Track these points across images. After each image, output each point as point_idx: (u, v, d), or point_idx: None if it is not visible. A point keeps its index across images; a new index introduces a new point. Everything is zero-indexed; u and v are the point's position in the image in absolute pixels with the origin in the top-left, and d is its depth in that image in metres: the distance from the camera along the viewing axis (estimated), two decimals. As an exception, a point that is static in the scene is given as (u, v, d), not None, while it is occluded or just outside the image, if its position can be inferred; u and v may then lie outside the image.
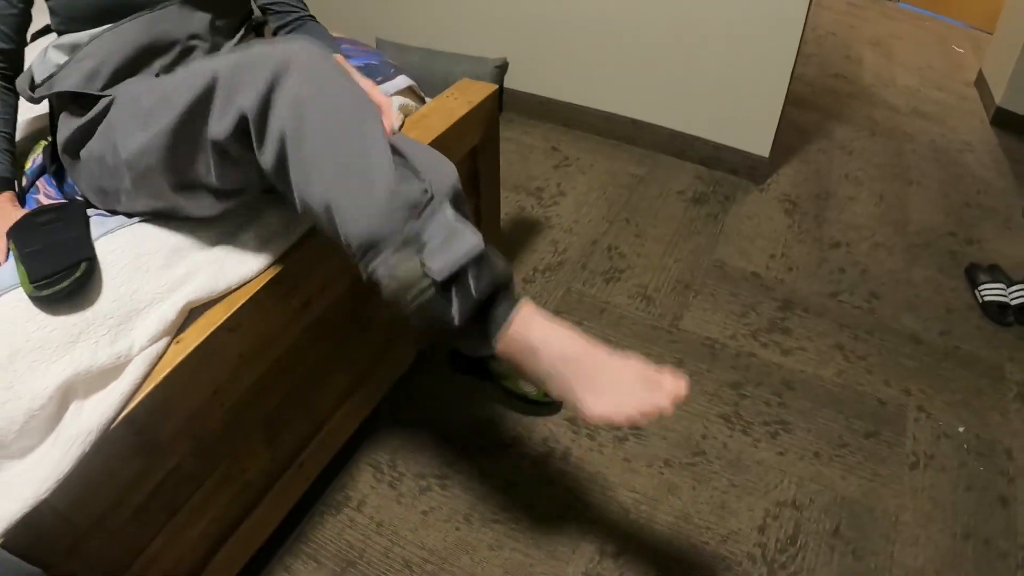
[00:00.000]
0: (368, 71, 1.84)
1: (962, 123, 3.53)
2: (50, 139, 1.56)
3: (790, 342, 2.17)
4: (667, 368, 1.12)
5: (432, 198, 1.12)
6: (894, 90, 3.81)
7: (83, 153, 1.40)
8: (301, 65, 1.13)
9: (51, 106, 1.49)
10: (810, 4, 2.52)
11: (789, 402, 2.00)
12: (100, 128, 1.33)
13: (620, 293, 2.30)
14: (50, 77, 1.39)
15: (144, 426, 1.24)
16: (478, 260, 1.11)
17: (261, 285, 1.39)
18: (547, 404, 1.94)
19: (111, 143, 1.29)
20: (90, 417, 1.19)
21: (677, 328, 2.18)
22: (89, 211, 1.42)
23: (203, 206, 1.32)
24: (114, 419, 1.19)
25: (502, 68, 3.12)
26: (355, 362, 1.76)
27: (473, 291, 1.11)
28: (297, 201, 1.15)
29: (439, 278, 1.07)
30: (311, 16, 1.69)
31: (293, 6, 1.68)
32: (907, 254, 2.58)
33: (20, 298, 1.25)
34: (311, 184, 1.11)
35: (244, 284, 1.38)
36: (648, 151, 3.02)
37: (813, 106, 3.40)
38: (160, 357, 1.26)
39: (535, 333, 1.14)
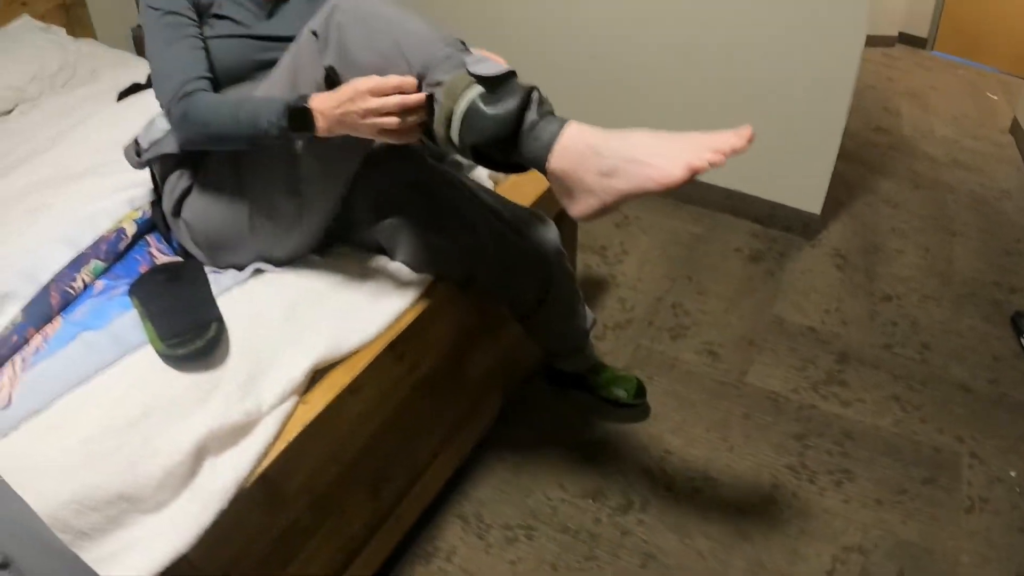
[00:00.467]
0: None
1: (999, 171, 3.68)
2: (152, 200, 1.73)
3: (848, 394, 2.32)
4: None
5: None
6: (932, 141, 3.96)
7: (187, 214, 1.57)
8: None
9: (152, 173, 1.67)
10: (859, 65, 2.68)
11: (850, 452, 2.14)
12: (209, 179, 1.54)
13: (687, 349, 2.46)
14: (159, 141, 1.54)
15: (273, 482, 1.33)
16: (513, 75, 1.28)
17: (381, 349, 1.50)
18: (638, 407, 2.19)
19: (225, 185, 1.51)
20: (226, 474, 1.27)
21: (743, 383, 2.34)
22: (208, 269, 1.58)
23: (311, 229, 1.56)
24: (249, 476, 1.28)
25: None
26: (449, 416, 1.89)
27: (516, 95, 1.24)
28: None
29: (486, 73, 1.25)
30: None
31: None
32: (954, 305, 2.72)
33: (148, 356, 1.35)
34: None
35: (364, 346, 1.50)
36: (705, 209, 3.19)
37: (857, 160, 3.55)
38: (289, 416, 1.37)
39: (589, 136, 1.21)
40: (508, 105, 1.22)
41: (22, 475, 1.17)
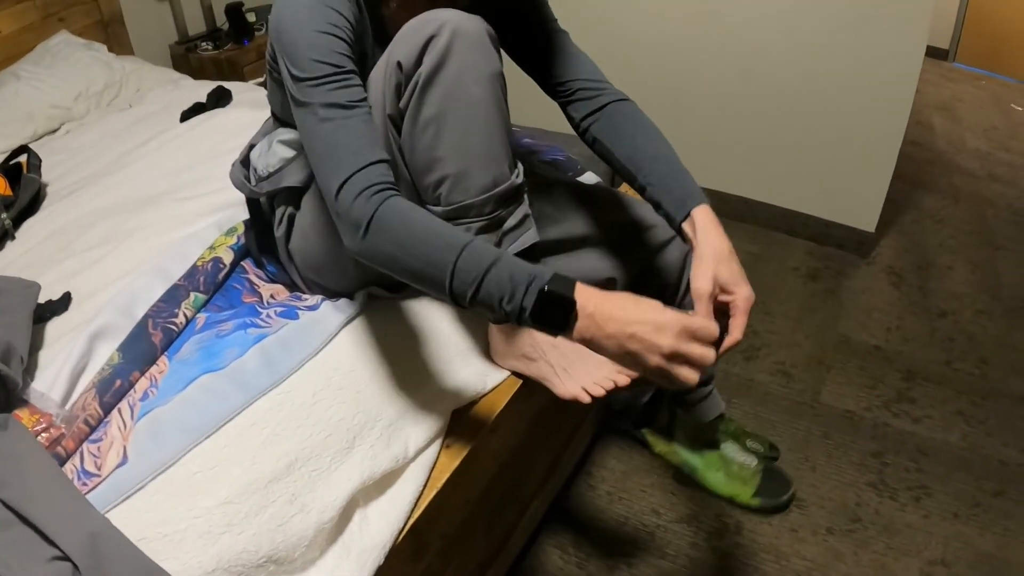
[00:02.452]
0: (556, 167, 1.99)
1: (1034, 184, 3.78)
2: (244, 223, 1.66)
3: (917, 411, 2.41)
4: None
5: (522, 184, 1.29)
6: (967, 154, 4.06)
7: (293, 243, 1.46)
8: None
9: (255, 200, 1.56)
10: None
11: (925, 467, 2.22)
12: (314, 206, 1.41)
13: (761, 371, 2.55)
14: (278, 171, 1.44)
15: (420, 532, 1.27)
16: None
17: (518, 386, 1.47)
18: (773, 459, 2.11)
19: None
20: (379, 528, 1.20)
21: (818, 403, 2.43)
22: (318, 298, 1.47)
23: None
24: (403, 529, 1.22)
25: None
26: (554, 447, 1.95)
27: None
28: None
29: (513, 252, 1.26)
30: (622, 96, 1.57)
31: (598, 85, 1.55)
32: (1006, 318, 2.82)
33: (280, 402, 1.24)
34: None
35: (498, 386, 1.45)
36: (761, 228, 3.29)
37: (899, 176, 3.62)
38: (435, 461, 1.32)
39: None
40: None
41: (156, 543, 1.06)
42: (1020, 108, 4.76)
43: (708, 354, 1.03)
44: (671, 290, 1.76)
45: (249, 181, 1.51)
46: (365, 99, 1.20)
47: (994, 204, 3.58)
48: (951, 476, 2.20)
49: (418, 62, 1.21)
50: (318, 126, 1.16)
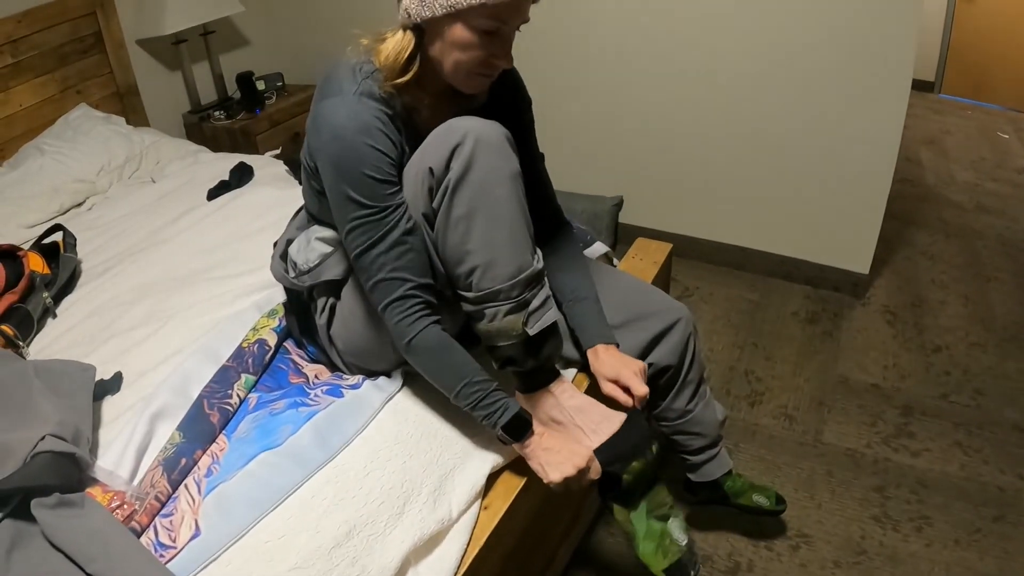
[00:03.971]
0: None
1: (1022, 212, 3.94)
2: (284, 305, 1.79)
3: (916, 444, 2.54)
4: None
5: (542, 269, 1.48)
6: (955, 187, 4.21)
7: (333, 330, 1.62)
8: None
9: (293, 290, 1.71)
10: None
11: (926, 498, 2.35)
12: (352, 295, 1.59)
13: (765, 415, 2.69)
14: (318, 265, 1.59)
15: None
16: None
17: None
18: (780, 512, 2.18)
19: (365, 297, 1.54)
20: None
21: (820, 442, 2.56)
22: (359, 378, 1.62)
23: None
24: None
25: (618, 205, 3.50)
26: (574, 499, 2.04)
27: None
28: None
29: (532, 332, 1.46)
30: (568, 224, 1.82)
31: (556, 216, 1.81)
32: (999, 349, 2.95)
33: (334, 474, 1.37)
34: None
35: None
36: (758, 276, 3.44)
37: (890, 214, 3.76)
38: (476, 521, 1.43)
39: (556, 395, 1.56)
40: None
41: None
42: (1006, 135, 4.90)
43: (597, 470, 1.47)
44: (673, 371, 1.92)
45: (288, 273, 1.65)
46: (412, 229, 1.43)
47: (983, 236, 3.72)
48: (951, 505, 2.33)
49: (447, 167, 1.39)
50: (366, 244, 1.43)
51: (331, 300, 1.61)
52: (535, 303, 1.47)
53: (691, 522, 2.28)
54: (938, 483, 2.40)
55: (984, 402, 2.71)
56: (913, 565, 2.16)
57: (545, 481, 1.45)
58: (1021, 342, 2.98)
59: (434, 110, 1.50)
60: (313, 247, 1.60)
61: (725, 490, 2.12)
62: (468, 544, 1.41)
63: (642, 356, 1.82)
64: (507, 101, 1.65)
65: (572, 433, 1.53)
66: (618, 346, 1.70)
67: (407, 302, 1.42)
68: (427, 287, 1.44)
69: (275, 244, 1.81)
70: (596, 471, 1.46)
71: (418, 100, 1.49)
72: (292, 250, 1.65)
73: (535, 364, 1.51)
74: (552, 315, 1.50)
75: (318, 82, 1.48)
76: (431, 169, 1.39)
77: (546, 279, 1.53)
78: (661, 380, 1.91)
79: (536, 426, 1.46)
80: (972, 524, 2.27)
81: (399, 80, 1.43)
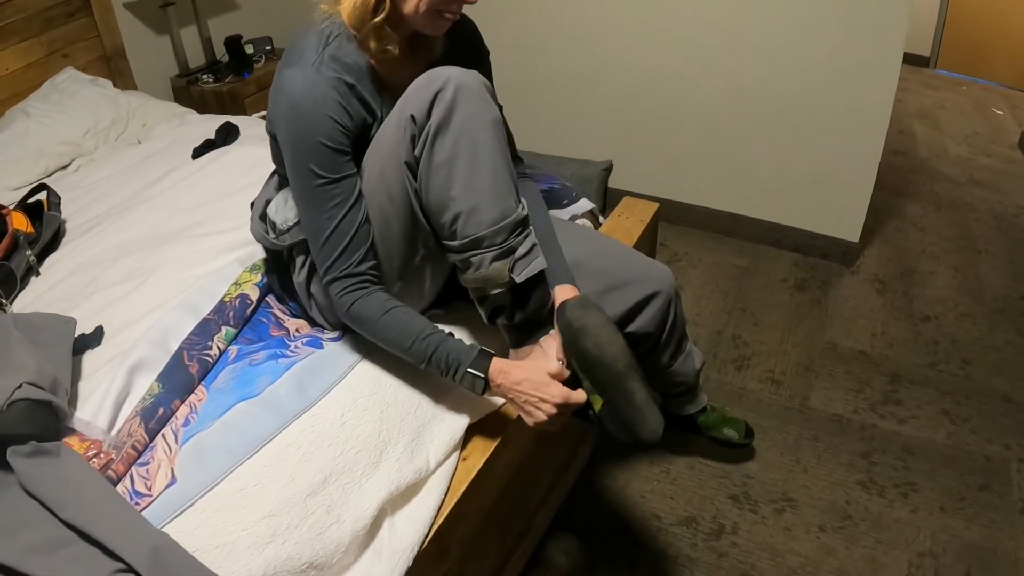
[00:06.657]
0: (552, 195, 2.11)
1: (1014, 187, 3.92)
2: (265, 262, 1.78)
3: (903, 412, 2.53)
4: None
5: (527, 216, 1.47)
6: (948, 161, 4.19)
7: (315, 287, 1.60)
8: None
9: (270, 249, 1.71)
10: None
11: (912, 465, 2.35)
12: None
13: (752, 379, 2.68)
14: (297, 223, 1.55)
15: (442, 537, 1.39)
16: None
17: None
18: (746, 446, 2.34)
19: None
20: (407, 533, 1.32)
21: (807, 407, 2.55)
22: (339, 332, 1.62)
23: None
24: (428, 534, 1.35)
25: (607, 170, 3.48)
26: (557, 459, 2.06)
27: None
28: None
29: (520, 280, 1.44)
30: (527, 173, 1.80)
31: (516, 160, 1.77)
32: (988, 320, 2.95)
33: (310, 424, 1.37)
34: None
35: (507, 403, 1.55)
36: (747, 242, 3.43)
37: (881, 185, 3.76)
38: (454, 473, 1.45)
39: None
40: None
41: (209, 554, 1.18)
42: (1000, 112, 4.88)
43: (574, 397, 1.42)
44: (654, 337, 1.92)
45: (269, 234, 1.64)
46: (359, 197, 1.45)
47: (975, 209, 3.71)
48: (937, 473, 2.32)
49: (428, 114, 1.38)
50: (316, 216, 1.44)
51: (309, 257, 1.58)
52: (521, 250, 1.45)
53: (675, 484, 2.29)
54: (924, 451, 2.40)
55: (972, 372, 2.70)
56: (898, 531, 2.16)
57: (530, 424, 1.44)
58: (1011, 314, 2.97)
59: (398, 63, 1.51)
60: (291, 206, 1.59)
61: (699, 423, 2.28)
62: (446, 496, 1.42)
63: (623, 324, 1.81)
64: (464, 52, 1.65)
65: (537, 360, 1.48)
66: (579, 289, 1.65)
67: (350, 280, 1.45)
68: (373, 266, 1.47)
69: (252, 205, 1.79)
70: (570, 396, 1.42)
71: (392, 41, 1.47)
72: (271, 210, 1.65)
73: (523, 316, 1.50)
74: (540, 263, 1.48)
75: (286, 48, 1.48)
76: (412, 117, 1.39)
77: (532, 227, 1.51)
78: (642, 347, 1.91)
79: (498, 363, 1.42)
80: (958, 492, 2.26)
81: (373, 20, 1.42)
